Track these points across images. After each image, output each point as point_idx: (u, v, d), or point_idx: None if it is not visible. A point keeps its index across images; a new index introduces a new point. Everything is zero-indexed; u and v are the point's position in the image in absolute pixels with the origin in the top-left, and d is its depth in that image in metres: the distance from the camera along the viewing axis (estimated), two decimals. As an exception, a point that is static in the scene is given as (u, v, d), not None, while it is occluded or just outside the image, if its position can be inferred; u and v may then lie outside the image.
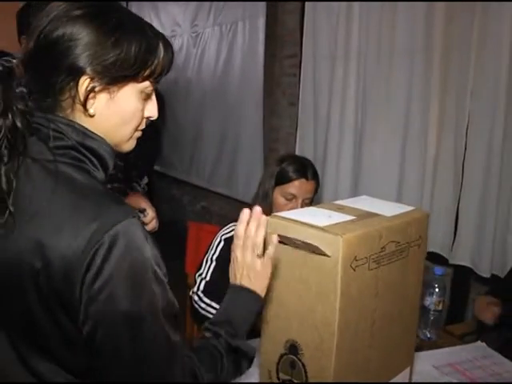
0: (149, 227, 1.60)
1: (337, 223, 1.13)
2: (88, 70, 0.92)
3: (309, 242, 1.09)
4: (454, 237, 2.51)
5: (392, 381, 1.27)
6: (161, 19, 4.80)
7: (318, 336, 1.11)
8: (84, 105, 0.93)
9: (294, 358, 1.16)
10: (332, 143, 3.05)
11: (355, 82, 2.90)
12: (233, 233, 1.87)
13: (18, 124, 0.90)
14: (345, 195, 2.89)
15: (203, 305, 1.80)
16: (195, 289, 1.84)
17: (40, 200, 0.90)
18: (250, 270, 1.08)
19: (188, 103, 4.55)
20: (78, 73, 0.92)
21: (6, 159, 0.89)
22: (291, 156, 2.05)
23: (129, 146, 1.04)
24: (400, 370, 1.30)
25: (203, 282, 1.86)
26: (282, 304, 1.18)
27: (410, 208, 1.30)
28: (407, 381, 1.33)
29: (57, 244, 0.86)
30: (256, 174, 3.47)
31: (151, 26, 1.00)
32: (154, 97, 1.04)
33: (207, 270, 1.87)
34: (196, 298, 1.82)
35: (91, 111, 0.94)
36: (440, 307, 1.72)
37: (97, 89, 0.93)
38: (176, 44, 4.59)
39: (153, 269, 0.89)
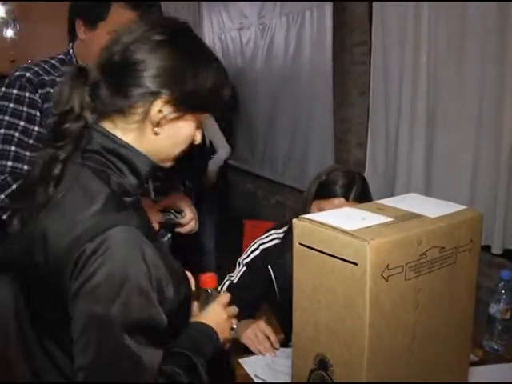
0: (186, 228, 1.55)
1: (368, 227, 1.01)
2: (164, 94, 1.00)
3: (335, 248, 0.99)
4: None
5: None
6: (229, 13, 4.81)
7: (347, 351, 1.00)
8: (156, 125, 1.02)
9: (324, 374, 1.06)
10: (403, 132, 2.88)
11: (425, 68, 2.71)
12: (272, 243, 1.83)
13: (89, 120, 1.01)
14: (418, 185, 2.75)
15: None
16: (219, 288, 1.79)
17: (59, 194, 0.98)
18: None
19: (258, 95, 4.52)
20: (154, 94, 1.00)
21: (68, 150, 1.00)
22: (342, 170, 1.81)
23: (169, 164, 1.12)
24: (451, 389, 1.16)
25: (227, 283, 1.83)
26: (310, 313, 1.08)
27: (460, 207, 1.15)
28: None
29: (55, 237, 0.94)
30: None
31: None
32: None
33: (237, 273, 1.83)
34: None
35: (156, 129, 1.03)
36: (508, 316, 1.54)
37: (168, 113, 1.02)
38: (244, 36, 4.57)
39: (136, 280, 0.91)
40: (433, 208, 1.13)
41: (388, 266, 0.97)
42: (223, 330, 1.18)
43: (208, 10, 5.22)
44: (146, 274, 0.92)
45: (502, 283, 1.55)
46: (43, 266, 0.95)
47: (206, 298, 1.23)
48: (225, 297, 1.24)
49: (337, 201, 1.68)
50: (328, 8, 3.43)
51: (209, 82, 1.04)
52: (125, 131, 1.03)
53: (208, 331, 1.15)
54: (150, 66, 1.00)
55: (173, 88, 1.01)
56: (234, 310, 1.25)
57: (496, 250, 2.32)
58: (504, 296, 1.53)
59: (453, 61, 2.54)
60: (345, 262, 0.98)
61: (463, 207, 1.16)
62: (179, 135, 1.07)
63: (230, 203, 5.07)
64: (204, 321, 1.16)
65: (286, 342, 1.69)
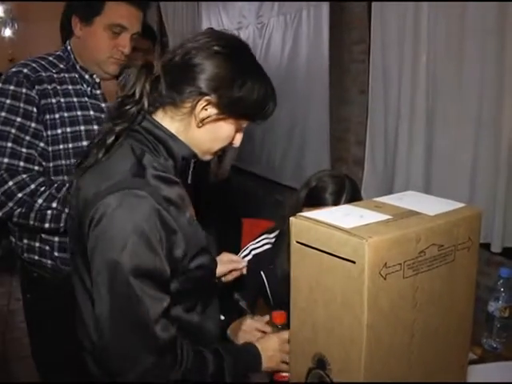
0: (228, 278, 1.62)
1: (366, 224, 1.00)
2: (212, 96, 1.17)
3: (333, 246, 0.98)
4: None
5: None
6: (228, 12, 4.81)
7: (344, 352, 0.99)
8: (200, 120, 1.20)
9: (322, 373, 1.05)
10: (403, 131, 2.88)
11: (425, 67, 2.71)
12: (263, 248, 1.82)
13: (145, 106, 1.19)
14: (417, 184, 2.76)
15: None
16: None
17: (104, 159, 1.18)
18: None
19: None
20: (203, 94, 1.17)
21: (123, 126, 1.18)
22: (331, 175, 1.80)
23: (209, 157, 1.29)
24: (450, 388, 1.15)
25: None
26: (308, 313, 1.07)
27: (459, 205, 1.14)
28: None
29: (84, 192, 1.16)
30: (322, 166, 3.34)
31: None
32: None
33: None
34: None
35: (199, 124, 1.20)
36: (507, 314, 1.53)
37: (211, 113, 1.19)
38: (242, 36, 4.55)
39: (144, 234, 1.07)
40: (431, 205, 1.12)
41: (386, 264, 0.95)
42: (271, 358, 1.35)
43: (207, 10, 5.21)
44: (153, 229, 1.08)
45: (501, 281, 1.54)
46: (75, 217, 1.19)
47: (275, 332, 1.42)
48: (286, 334, 1.37)
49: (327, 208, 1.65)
50: (325, 7, 3.42)
51: (254, 94, 1.20)
52: (173, 120, 1.21)
53: (254, 352, 1.33)
54: (205, 70, 1.17)
55: (220, 93, 1.17)
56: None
57: (495, 248, 2.32)
58: (503, 294, 1.53)
59: (452, 60, 2.53)
60: (342, 261, 0.97)
61: (462, 205, 1.14)
62: (219, 134, 1.24)
63: (229, 202, 5.05)
64: (257, 344, 1.35)
65: None
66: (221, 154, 1.31)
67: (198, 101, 1.18)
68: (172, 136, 1.21)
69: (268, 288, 1.81)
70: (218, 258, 1.58)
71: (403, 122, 2.88)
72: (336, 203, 1.66)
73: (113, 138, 1.18)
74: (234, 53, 1.20)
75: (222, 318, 1.63)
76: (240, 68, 1.19)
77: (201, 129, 1.21)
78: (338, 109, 3.59)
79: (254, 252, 1.85)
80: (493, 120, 2.32)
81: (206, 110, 1.19)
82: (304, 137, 3.86)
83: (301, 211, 1.70)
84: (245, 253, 1.85)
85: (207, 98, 1.18)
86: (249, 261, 1.82)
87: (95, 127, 1.74)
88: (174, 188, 1.19)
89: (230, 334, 1.59)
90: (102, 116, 1.76)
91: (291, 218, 1.07)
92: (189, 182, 1.29)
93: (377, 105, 3.15)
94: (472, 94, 2.42)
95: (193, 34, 1.23)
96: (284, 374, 1.35)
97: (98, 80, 1.79)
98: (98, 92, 1.80)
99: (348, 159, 3.61)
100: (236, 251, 1.97)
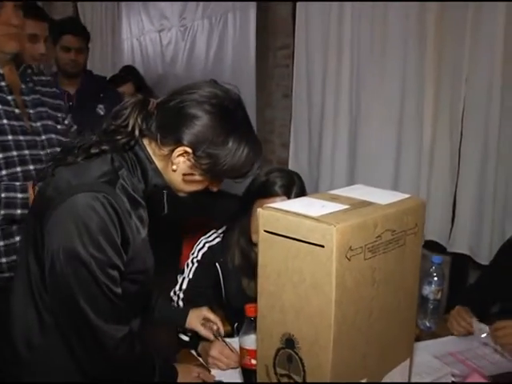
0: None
1: (330, 213, 1.09)
2: (189, 149, 1.25)
3: (302, 232, 1.06)
4: (452, 225, 2.48)
5: (392, 372, 1.24)
6: (150, 14, 4.76)
7: (314, 329, 1.08)
8: (175, 169, 1.28)
9: (291, 352, 1.13)
10: (327, 134, 3.03)
11: (349, 72, 2.87)
12: (215, 241, 1.91)
13: (136, 136, 1.27)
14: (341, 184, 2.87)
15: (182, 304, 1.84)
16: (177, 288, 1.88)
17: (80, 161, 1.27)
18: None
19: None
20: (182, 145, 1.25)
21: (109, 147, 1.27)
22: (282, 170, 1.92)
23: (183, 195, 1.36)
24: (400, 361, 1.27)
25: (186, 280, 1.89)
26: (276, 297, 1.15)
27: (405, 196, 1.27)
28: (407, 372, 1.30)
29: (57, 182, 1.24)
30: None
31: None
32: None
33: (189, 271, 1.90)
34: (176, 298, 1.85)
35: (174, 167, 1.28)
36: (439, 296, 1.70)
37: (184, 163, 1.27)
38: (164, 38, 4.56)
39: (102, 229, 1.17)
40: (381, 196, 1.24)
41: (351, 247, 1.05)
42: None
43: (127, 11, 5.14)
44: (114, 231, 1.18)
45: (434, 267, 1.70)
46: (39, 204, 1.27)
47: (248, 324, 1.45)
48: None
49: (279, 199, 1.75)
50: (252, 10, 3.50)
51: (235, 157, 1.27)
52: (154, 154, 1.29)
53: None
54: (191, 124, 1.24)
55: (198, 149, 1.25)
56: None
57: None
58: (435, 278, 1.69)
59: (375, 63, 2.69)
60: (311, 246, 1.06)
61: (407, 195, 1.27)
62: (192, 181, 1.31)
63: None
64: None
65: (231, 335, 1.80)
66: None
67: (176, 148, 1.25)
68: (152, 163, 1.29)
69: (222, 279, 1.88)
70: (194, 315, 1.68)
71: (327, 124, 3.02)
72: (287, 195, 1.76)
73: (97, 151, 1.26)
74: (223, 115, 1.26)
75: (186, 338, 1.72)
76: (225, 134, 1.25)
77: (175, 172, 1.29)
78: (262, 112, 3.70)
79: (207, 245, 1.92)
80: (414, 120, 2.51)
81: (183, 158, 1.26)
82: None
83: (253, 203, 1.80)
84: (199, 246, 1.91)
85: (185, 148, 1.25)
86: (203, 254, 1.91)
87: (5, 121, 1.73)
88: (137, 208, 1.28)
89: (200, 351, 1.67)
90: (9, 109, 1.74)
91: (259, 210, 1.14)
92: (165, 211, 1.35)
93: (300, 108, 3.29)
94: (394, 96, 2.60)
95: (196, 82, 1.31)
96: (252, 362, 1.42)
97: (1, 71, 1.77)
98: (3, 84, 1.78)
99: (273, 161, 3.74)
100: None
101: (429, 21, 2.41)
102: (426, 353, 1.58)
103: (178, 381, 1.43)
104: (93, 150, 1.26)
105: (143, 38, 5.02)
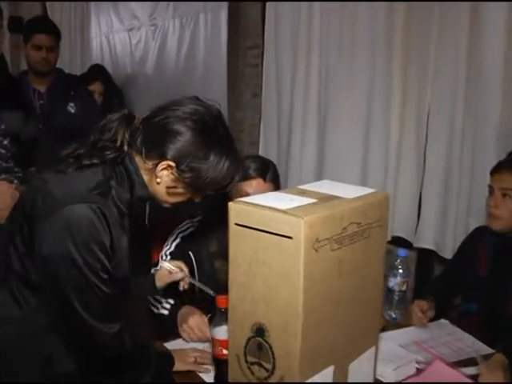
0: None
1: (298, 206, 1.14)
2: (172, 163, 1.31)
3: (271, 225, 1.11)
4: (418, 221, 2.56)
5: (358, 359, 1.29)
6: (119, 13, 4.75)
7: (283, 318, 1.12)
8: (156, 175, 1.34)
9: (261, 340, 1.17)
10: (296, 133, 3.08)
11: (317, 72, 2.92)
12: (188, 231, 1.94)
13: (125, 150, 1.35)
14: (309, 182, 2.88)
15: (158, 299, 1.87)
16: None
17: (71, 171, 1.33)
18: None
19: (148, 98, 4.45)
20: (165, 160, 1.32)
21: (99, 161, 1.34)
22: (256, 156, 2.02)
23: (168, 206, 1.43)
24: (366, 348, 1.32)
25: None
26: (247, 287, 1.19)
27: (370, 190, 1.32)
28: (373, 359, 1.36)
29: (50, 189, 1.30)
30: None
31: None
32: None
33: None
34: None
35: (158, 180, 1.35)
36: (404, 288, 1.75)
37: (167, 177, 1.34)
38: (134, 37, 4.55)
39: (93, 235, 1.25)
40: (347, 191, 1.29)
41: (317, 238, 1.10)
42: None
43: (96, 9, 5.11)
44: (103, 235, 1.26)
45: (399, 260, 1.76)
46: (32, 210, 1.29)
47: (219, 315, 1.48)
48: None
49: (255, 182, 1.83)
50: (223, 10, 3.53)
51: (216, 170, 1.33)
52: (140, 166, 1.36)
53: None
54: (174, 139, 1.31)
55: (181, 163, 1.31)
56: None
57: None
58: (400, 271, 1.74)
59: (343, 62, 2.76)
60: (280, 238, 1.10)
61: (372, 190, 1.33)
62: (176, 193, 1.37)
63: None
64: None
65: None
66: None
67: (160, 162, 1.32)
68: (139, 176, 1.36)
69: (196, 268, 1.91)
70: (158, 273, 1.75)
71: (296, 124, 3.07)
72: (263, 177, 1.84)
73: (88, 163, 1.33)
74: (204, 130, 1.33)
75: (172, 302, 1.81)
76: (206, 150, 1.32)
77: (159, 185, 1.36)
78: (233, 111, 3.73)
79: (181, 235, 1.97)
80: (382, 120, 2.57)
81: (167, 172, 1.33)
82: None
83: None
84: (173, 238, 1.96)
85: (169, 162, 1.32)
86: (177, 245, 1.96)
87: None
88: (122, 217, 1.36)
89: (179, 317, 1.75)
90: None
91: (230, 203, 1.18)
92: (146, 222, 1.43)
93: (270, 107, 3.34)
94: (362, 95, 2.66)
95: (179, 99, 1.38)
96: (224, 352, 1.45)
97: None
98: None
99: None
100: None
101: (396, 21, 2.47)
102: (392, 342, 1.64)
103: (175, 367, 1.53)
104: (84, 162, 1.33)
105: (112, 37, 4.99)
